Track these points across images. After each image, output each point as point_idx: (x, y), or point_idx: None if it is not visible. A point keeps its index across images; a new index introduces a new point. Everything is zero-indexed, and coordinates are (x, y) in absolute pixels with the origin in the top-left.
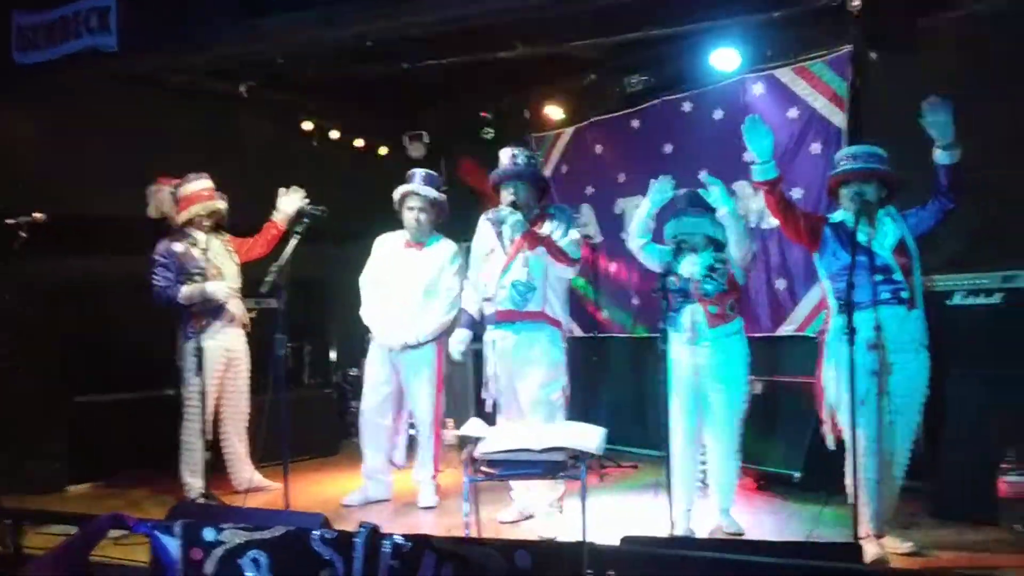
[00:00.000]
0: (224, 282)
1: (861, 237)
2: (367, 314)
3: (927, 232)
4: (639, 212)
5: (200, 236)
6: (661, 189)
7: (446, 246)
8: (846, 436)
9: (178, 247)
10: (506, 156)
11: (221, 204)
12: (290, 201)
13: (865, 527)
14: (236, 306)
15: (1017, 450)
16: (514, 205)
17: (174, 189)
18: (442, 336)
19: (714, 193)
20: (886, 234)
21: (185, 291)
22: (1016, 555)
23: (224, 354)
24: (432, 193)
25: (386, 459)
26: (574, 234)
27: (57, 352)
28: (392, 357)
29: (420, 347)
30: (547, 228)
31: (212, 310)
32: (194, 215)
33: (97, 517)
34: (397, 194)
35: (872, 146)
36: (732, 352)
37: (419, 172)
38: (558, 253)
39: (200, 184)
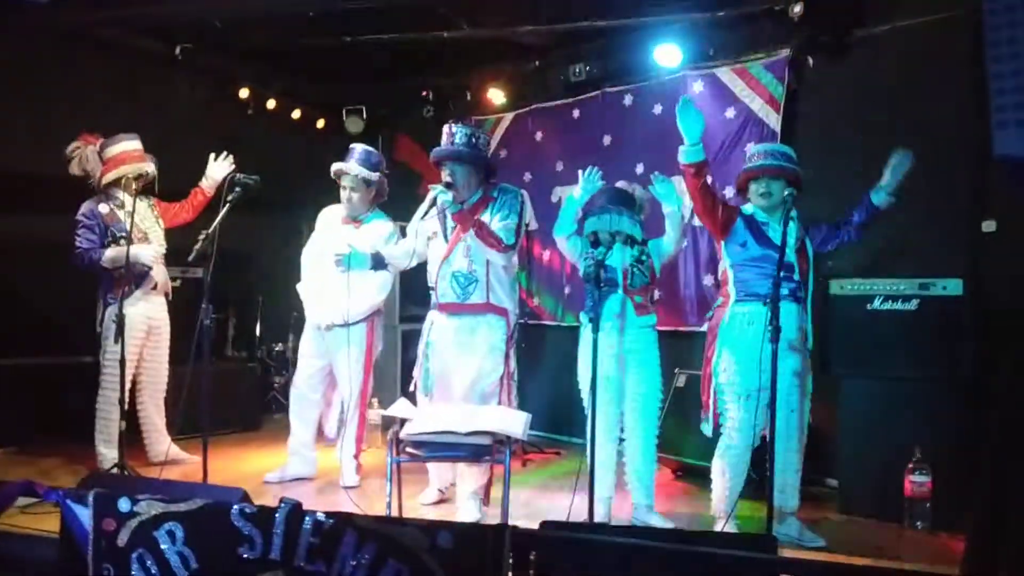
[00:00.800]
0: (151, 246)
1: (776, 233)
2: (302, 289)
3: (821, 252)
4: (566, 204)
5: (127, 198)
6: (590, 179)
7: (382, 225)
8: (737, 425)
9: (103, 208)
10: (445, 134)
11: (150, 167)
12: (219, 168)
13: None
14: (160, 273)
15: (922, 450)
16: (448, 186)
17: (99, 148)
18: (373, 316)
19: (663, 190)
20: (790, 233)
21: (109, 254)
22: (917, 551)
23: (145, 322)
24: (363, 172)
25: (313, 434)
26: (512, 219)
27: None
28: (324, 333)
29: (350, 326)
30: (486, 210)
31: (135, 276)
32: (121, 175)
33: (6, 483)
34: (332, 169)
35: (781, 145)
36: (651, 344)
37: (357, 149)
38: (488, 236)
39: (129, 144)
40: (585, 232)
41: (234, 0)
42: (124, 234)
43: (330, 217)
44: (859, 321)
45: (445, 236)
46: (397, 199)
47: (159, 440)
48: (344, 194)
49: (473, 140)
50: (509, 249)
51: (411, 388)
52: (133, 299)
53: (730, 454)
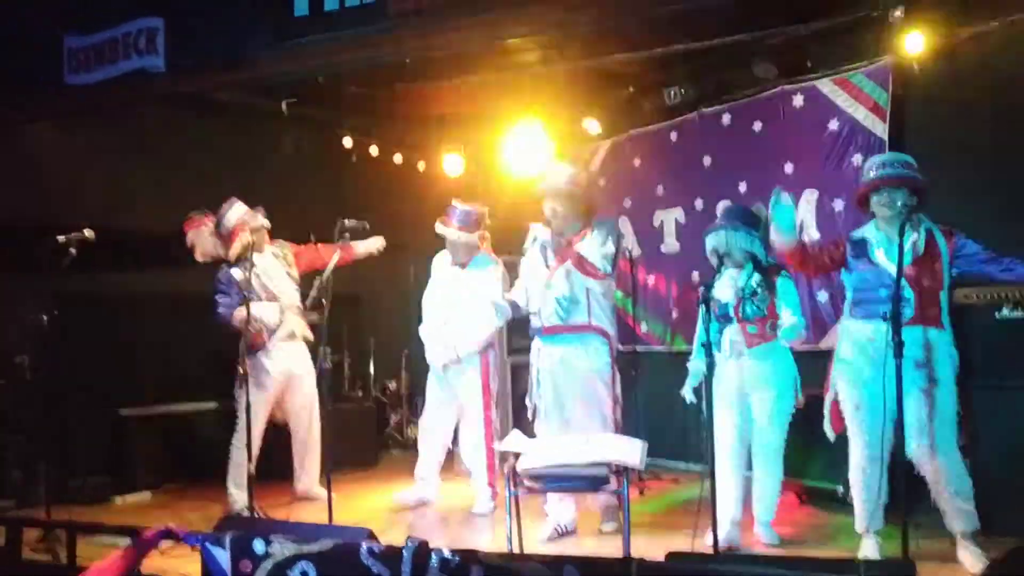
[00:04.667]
0: (275, 304)
1: (893, 251)
2: (422, 332)
3: (970, 276)
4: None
5: (257, 258)
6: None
7: (487, 263)
8: (860, 437)
9: (236, 273)
10: (548, 173)
11: (262, 220)
12: (375, 242)
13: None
14: (295, 322)
15: None
16: (548, 222)
17: (212, 226)
18: (488, 350)
19: (780, 219)
20: (911, 247)
21: (237, 315)
22: None
23: (282, 371)
24: (463, 237)
25: (438, 463)
26: (609, 247)
27: (102, 366)
28: (445, 370)
29: (470, 358)
30: (583, 243)
31: (270, 328)
32: (245, 245)
33: (149, 529)
34: (436, 230)
35: (902, 154)
36: (776, 361)
37: (458, 210)
38: (587, 267)
39: (237, 212)
40: (707, 249)
41: (334, 57)
42: (255, 295)
43: (441, 262)
44: (988, 330)
45: (546, 264)
46: (499, 233)
47: (299, 478)
48: (449, 247)
49: (574, 177)
50: (607, 277)
51: (529, 416)
52: (269, 350)
53: (853, 470)
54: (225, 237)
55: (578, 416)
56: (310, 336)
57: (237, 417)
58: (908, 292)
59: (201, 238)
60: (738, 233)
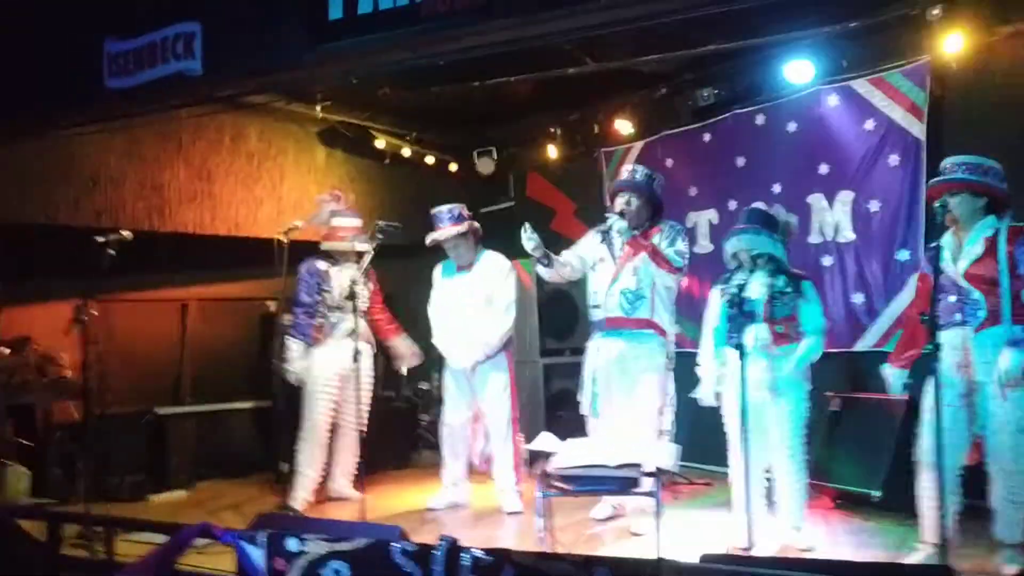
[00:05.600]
0: (296, 368)
1: (941, 257)
2: (437, 340)
3: None
4: None
5: (343, 260)
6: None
7: (494, 260)
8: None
9: (321, 265)
10: (626, 170)
11: (359, 246)
12: (407, 349)
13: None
14: (361, 325)
15: None
16: (622, 214)
17: (334, 209)
18: (509, 345)
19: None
20: (968, 252)
21: (292, 365)
22: None
23: (337, 368)
24: (456, 230)
25: (465, 466)
26: (680, 245)
27: (140, 365)
28: (466, 372)
29: (489, 360)
30: (656, 238)
31: (329, 326)
32: (330, 249)
33: (185, 526)
34: (428, 242)
35: (971, 156)
36: (794, 370)
37: (442, 211)
38: (661, 260)
39: (349, 222)
40: (726, 255)
41: (369, 59)
42: (328, 292)
43: (444, 272)
44: None
45: (613, 258)
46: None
47: (334, 477)
48: (451, 253)
49: (651, 178)
50: (678, 272)
51: (581, 411)
52: (324, 347)
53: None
54: (329, 229)
55: (628, 417)
56: (370, 339)
57: (299, 415)
58: (976, 294)
59: (321, 208)
60: (760, 236)
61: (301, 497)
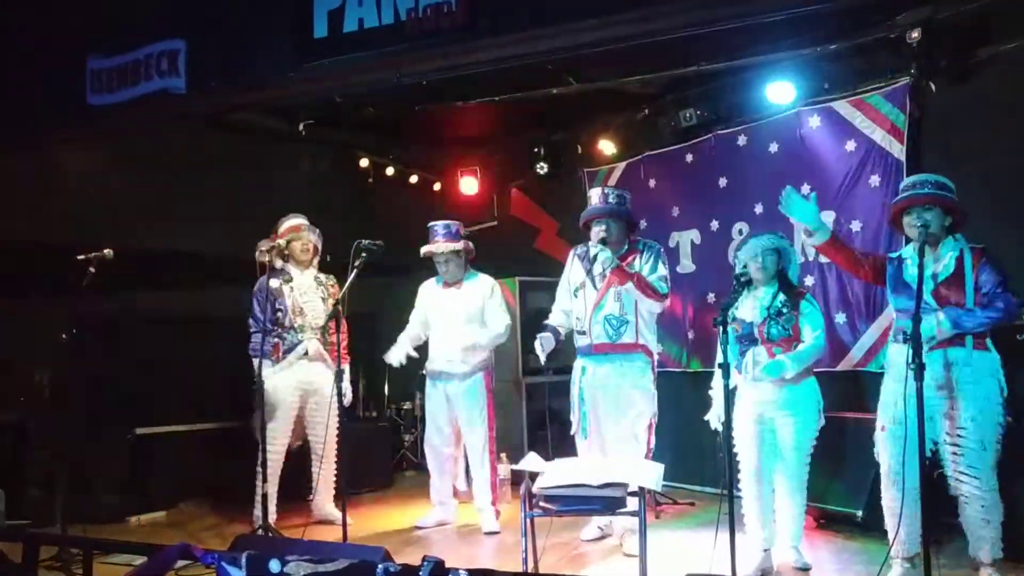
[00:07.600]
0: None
1: (913, 272)
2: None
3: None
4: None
5: (295, 272)
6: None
7: (484, 281)
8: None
9: (273, 283)
10: (597, 195)
11: (313, 237)
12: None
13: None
14: (312, 346)
15: None
16: (603, 242)
17: (279, 242)
18: (489, 368)
19: (796, 208)
20: (927, 266)
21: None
22: None
23: (298, 388)
24: (452, 246)
25: (451, 484)
26: (662, 269)
27: (118, 385)
28: (445, 390)
29: (469, 377)
30: (636, 263)
31: (287, 346)
32: (278, 246)
33: (165, 547)
34: (423, 253)
35: (933, 175)
36: (800, 384)
37: (438, 226)
38: (647, 289)
39: (292, 220)
40: (738, 267)
41: (353, 78)
42: (282, 309)
43: (429, 287)
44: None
45: (594, 285)
46: (512, 251)
47: (318, 498)
48: (441, 268)
49: (623, 199)
50: (664, 299)
51: (571, 432)
52: (283, 366)
53: (883, 494)
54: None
55: (614, 436)
56: (328, 358)
57: (256, 437)
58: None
59: (271, 251)
60: (784, 241)
61: (262, 516)
